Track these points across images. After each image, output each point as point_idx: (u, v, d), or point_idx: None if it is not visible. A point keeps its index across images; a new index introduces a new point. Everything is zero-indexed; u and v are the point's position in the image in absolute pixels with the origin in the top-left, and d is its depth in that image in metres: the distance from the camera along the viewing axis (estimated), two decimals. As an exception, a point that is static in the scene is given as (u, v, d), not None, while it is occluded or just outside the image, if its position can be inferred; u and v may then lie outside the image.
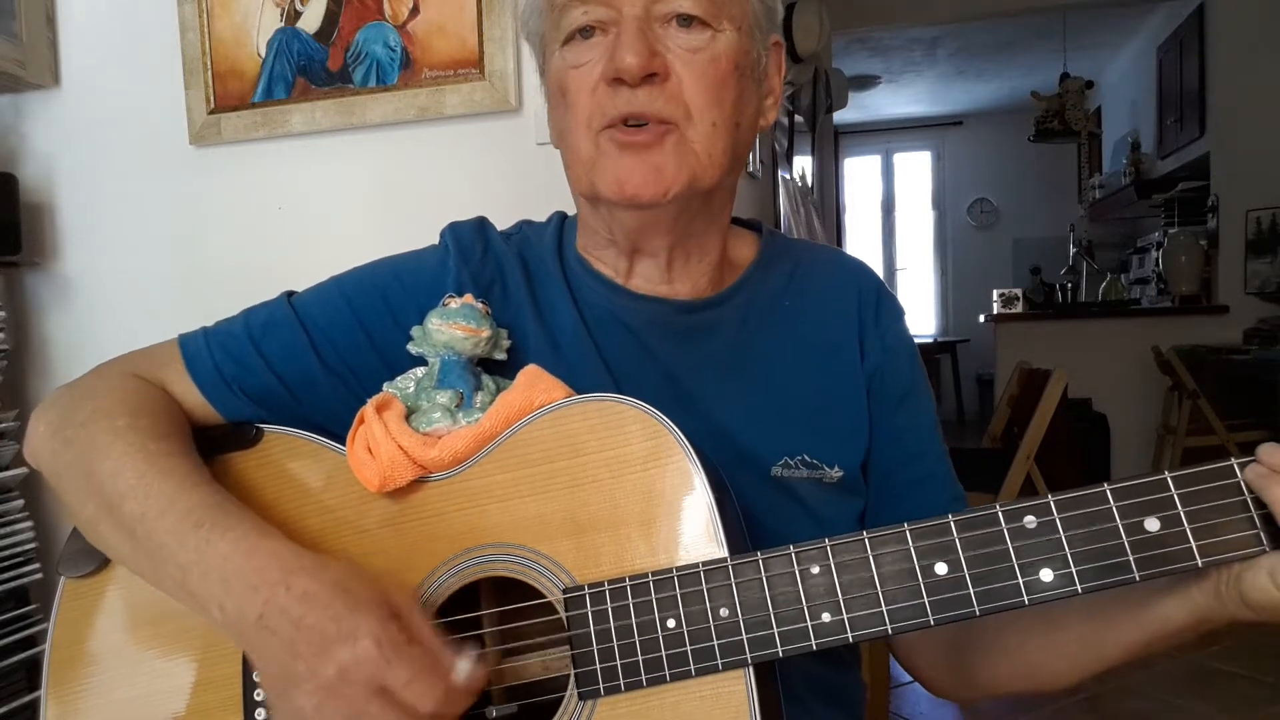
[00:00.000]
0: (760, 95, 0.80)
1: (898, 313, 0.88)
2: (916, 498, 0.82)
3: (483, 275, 0.83)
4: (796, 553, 0.62)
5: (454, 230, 0.86)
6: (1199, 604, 0.60)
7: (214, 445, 0.77)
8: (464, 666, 0.61)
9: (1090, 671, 0.69)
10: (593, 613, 0.64)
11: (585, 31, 0.74)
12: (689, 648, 0.62)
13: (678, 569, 0.63)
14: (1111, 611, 0.66)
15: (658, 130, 0.72)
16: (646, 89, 0.71)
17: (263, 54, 1.71)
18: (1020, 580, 0.58)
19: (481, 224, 0.88)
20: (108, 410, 0.73)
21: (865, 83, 6.96)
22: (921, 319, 8.45)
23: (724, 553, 0.63)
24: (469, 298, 0.78)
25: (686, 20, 0.72)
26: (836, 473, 0.79)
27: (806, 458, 0.79)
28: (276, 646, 0.61)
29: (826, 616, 0.61)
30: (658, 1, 0.72)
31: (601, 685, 0.64)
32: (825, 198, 4.26)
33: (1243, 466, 0.56)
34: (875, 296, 0.87)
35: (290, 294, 0.85)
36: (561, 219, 0.90)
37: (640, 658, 0.63)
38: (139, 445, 0.71)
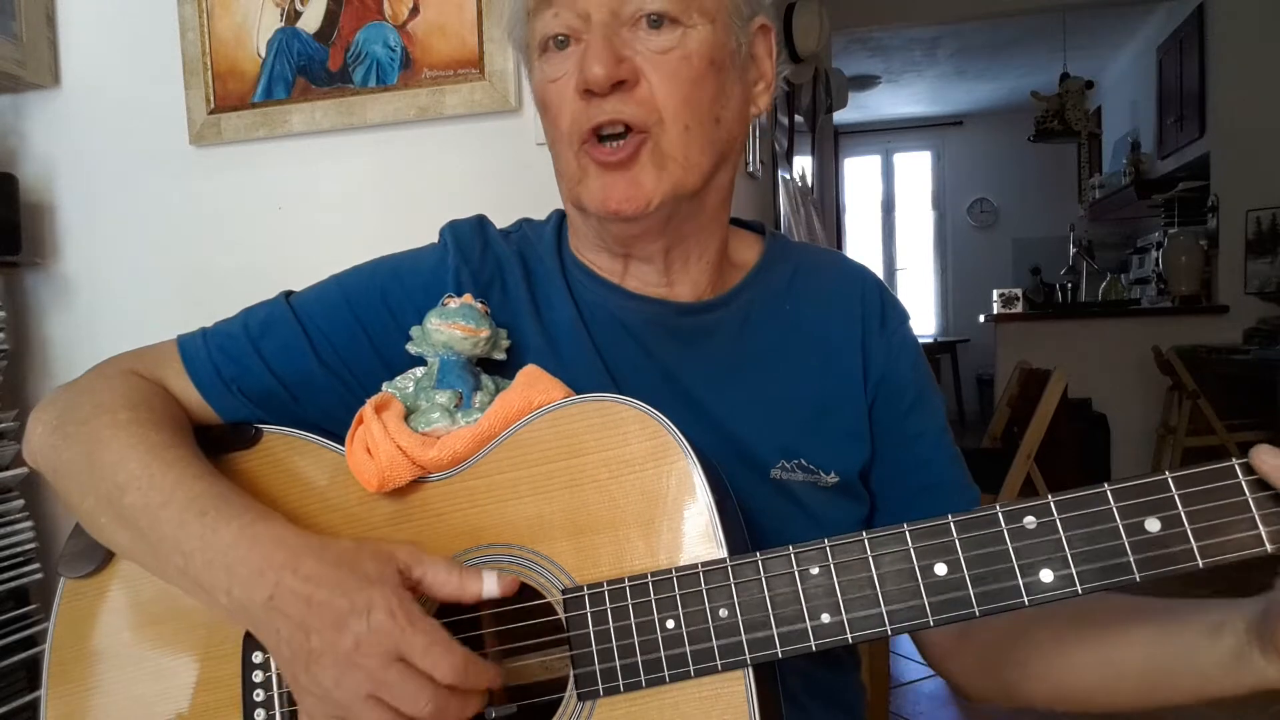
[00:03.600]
0: (746, 83, 0.79)
1: (903, 316, 0.87)
2: (930, 504, 0.82)
3: (482, 274, 0.83)
4: (796, 553, 0.62)
5: (453, 229, 0.86)
6: (1268, 678, 0.59)
7: (213, 445, 0.77)
8: (490, 583, 0.63)
9: (1148, 706, 0.68)
10: (592, 613, 0.64)
11: (560, 41, 0.74)
12: (688, 648, 0.62)
13: (676, 570, 0.63)
14: (1177, 673, 0.64)
15: (632, 143, 0.72)
16: (616, 96, 0.71)
17: (263, 54, 1.71)
18: (1020, 581, 0.58)
19: (481, 222, 0.87)
20: (109, 405, 0.73)
21: (865, 83, 6.96)
22: (921, 319, 8.45)
23: (723, 553, 0.63)
24: (468, 297, 0.78)
25: (657, 20, 0.72)
26: (832, 478, 0.79)
27: (803, 461, 0.78)
28: (289, 627, 0.61)
29: (826, 617, 0.61)
30: (624, 4, 0.71)
31: (600, 686, 0.64)
32: (825, 198, 4.26)
33: (1244, 467, 0.56)
34: (879, 301, 0.86)
35: (289, 294, 0.85)
36: (561, 217, 0.89)
37: (639, 658, 0.63)
38: (141, 437, 0.71)
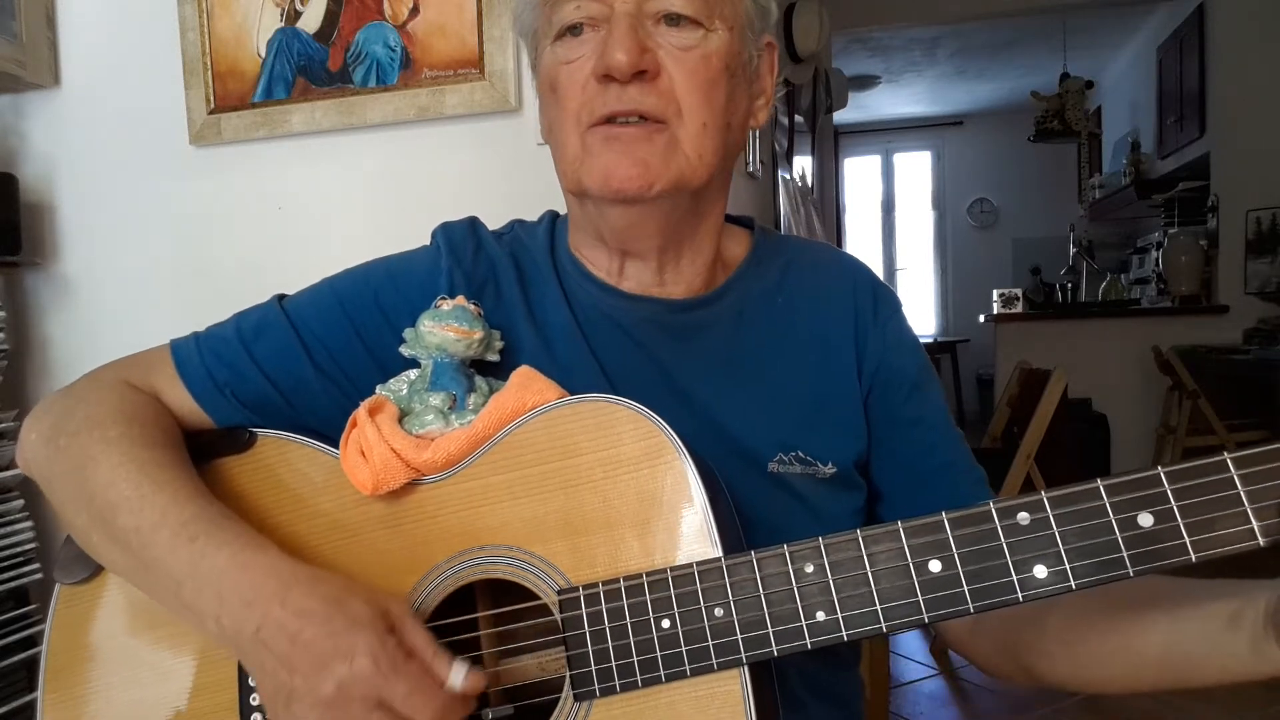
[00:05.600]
0: (751, 96, 0.80)
1: (895, 305, 0.88)
2: (940, 487, 0.82)
3: (475, 275, 0.83)
4: (790, 552, 0.62)
5: (445, 230, 0.86)
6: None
7: (207, 450, 0.77)
8: (457, 676, 0.61)
9: (1168, 689, 0.68)
10: (587, 614, 0.64)
11: (575, 29, 0.74)
12: (684, 648, 0.62)
13: (672, 569, 0.63)
14: (1199, 654, 0.64)
15: (648, 127, 0.72)
16: (637, 86, 0.71)
17: (263, 54, 1.71)
18: (1014, 577, 0.58)
19: (473, 224, 0.88)
20: (100, 419, 0.73)
21: (865, 83, 6.96)
22: (921, 319, 8.45)
23: (718, 552, 0.63)
24: (461, 299, 0.78)
25: (676, 19, 0.72)
26: (830, 469, 0.79)
27: (800, 454, 0.79)
28: (274, 661, 0.61)
29: (821, 615, 0.61)
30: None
31: (597, 686, 0.64)
32: (825, 198, 4.26)
33: (1235, 460, 0.55)
34: (871, 292, 0.86)
35: (281, 297, 0.85)
36: (553, 218, 0.90)
37: (635, 658, 0.63)
38: (132, 455, 0.70)
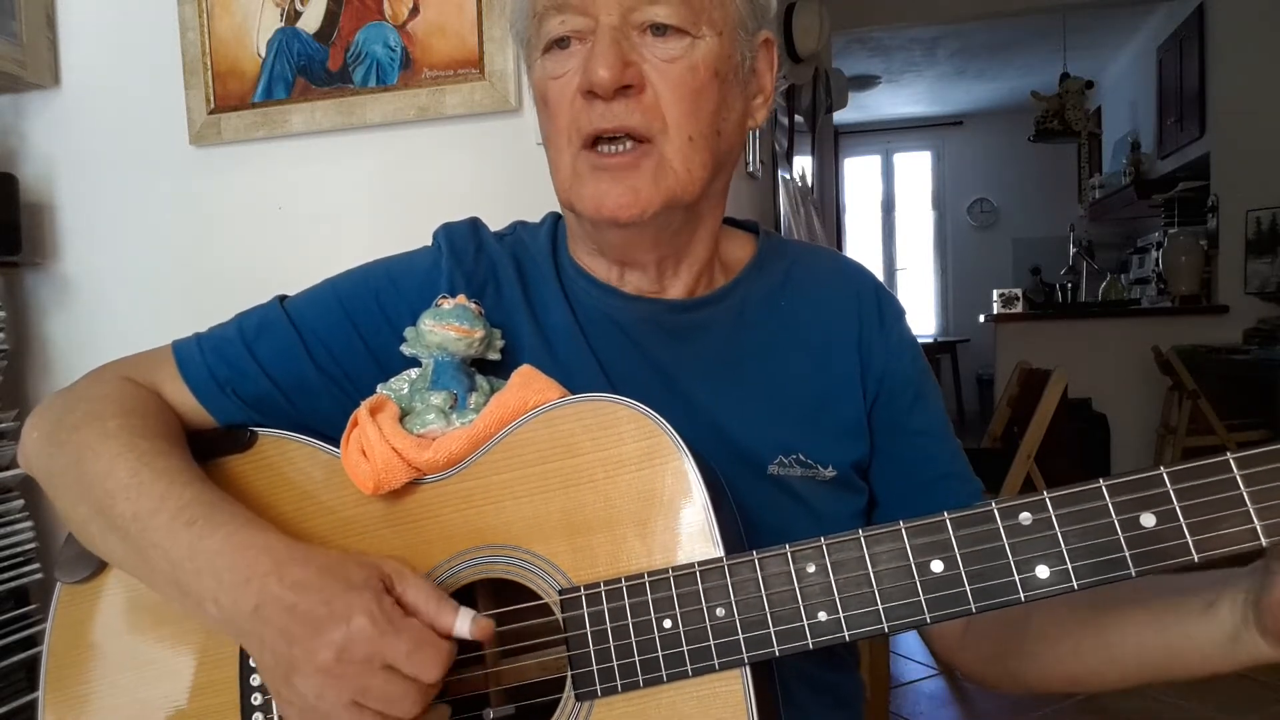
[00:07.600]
0: (747, 96, 0.80)
1: (899, 313, 0.88)
2: (937, 497, 0.82)
3: (476, 276, 0.83)
4: (792, 552, 0.62)
5: (447, 231, 0.86)
6: (1263, 654, 0.59)
7: (208, 449, 0.77)
8: (464, 623, 0.62)
9: (1153, 682, 0.69)
10: (589, 614, 0.64)
11: (563, 42, 0.74)
12: (685, 648, 0.62)
13: (673, 569, 0.63)
14: (1177, 645, 0.64)
15: (635, 153, 0.72)
16: (621, 102, 0.71)
17: (263, 54, 1.71)
18: (1016, 577, 0.58)
19: (474, 225, 0.88)
20: (100, 413, 0.73)
21: (865, 83, 6.96)
22: (921, 319, 8.46)
23: (720, 552, 0.63)
24: (462, 298, 0.78)
25: (661, 29, 0.71)
26: (830, 472, 0.79)
27: (801, 456, 0.79)
28: (273, 636, 0.61)
29: (823, 615, 0.61)
30: (634, 11, 0.71)
31: (598, 686, 0.64)
32: (825, 198, 4.26)
33: (1238, 460, 0.56)
34: (875, 299, 0.86)
35: (283, 297, 0.85)
36: (555, 219, 0.90)
37: (637, 658, 0.63)
38: (130, 445, 0.71)
